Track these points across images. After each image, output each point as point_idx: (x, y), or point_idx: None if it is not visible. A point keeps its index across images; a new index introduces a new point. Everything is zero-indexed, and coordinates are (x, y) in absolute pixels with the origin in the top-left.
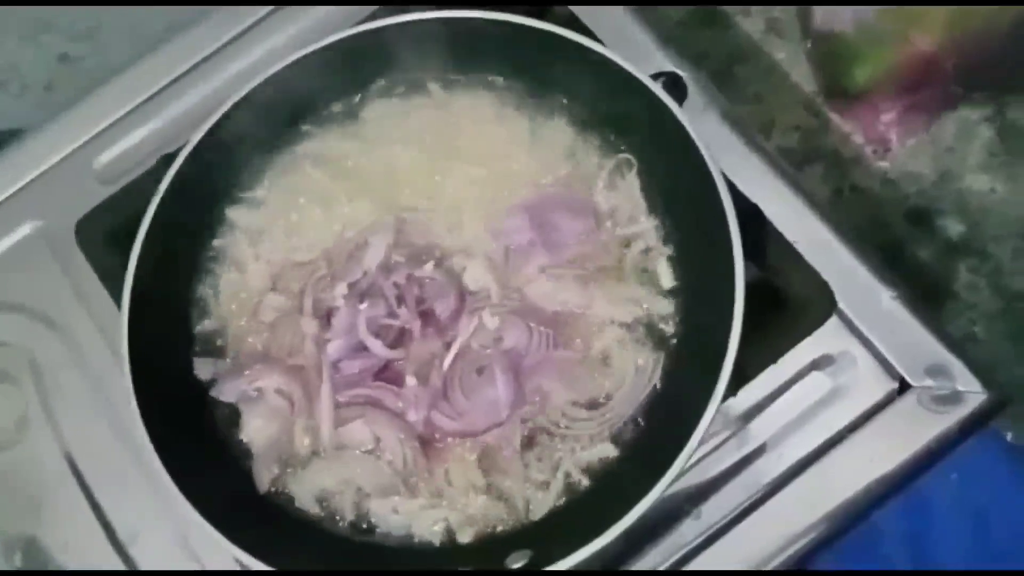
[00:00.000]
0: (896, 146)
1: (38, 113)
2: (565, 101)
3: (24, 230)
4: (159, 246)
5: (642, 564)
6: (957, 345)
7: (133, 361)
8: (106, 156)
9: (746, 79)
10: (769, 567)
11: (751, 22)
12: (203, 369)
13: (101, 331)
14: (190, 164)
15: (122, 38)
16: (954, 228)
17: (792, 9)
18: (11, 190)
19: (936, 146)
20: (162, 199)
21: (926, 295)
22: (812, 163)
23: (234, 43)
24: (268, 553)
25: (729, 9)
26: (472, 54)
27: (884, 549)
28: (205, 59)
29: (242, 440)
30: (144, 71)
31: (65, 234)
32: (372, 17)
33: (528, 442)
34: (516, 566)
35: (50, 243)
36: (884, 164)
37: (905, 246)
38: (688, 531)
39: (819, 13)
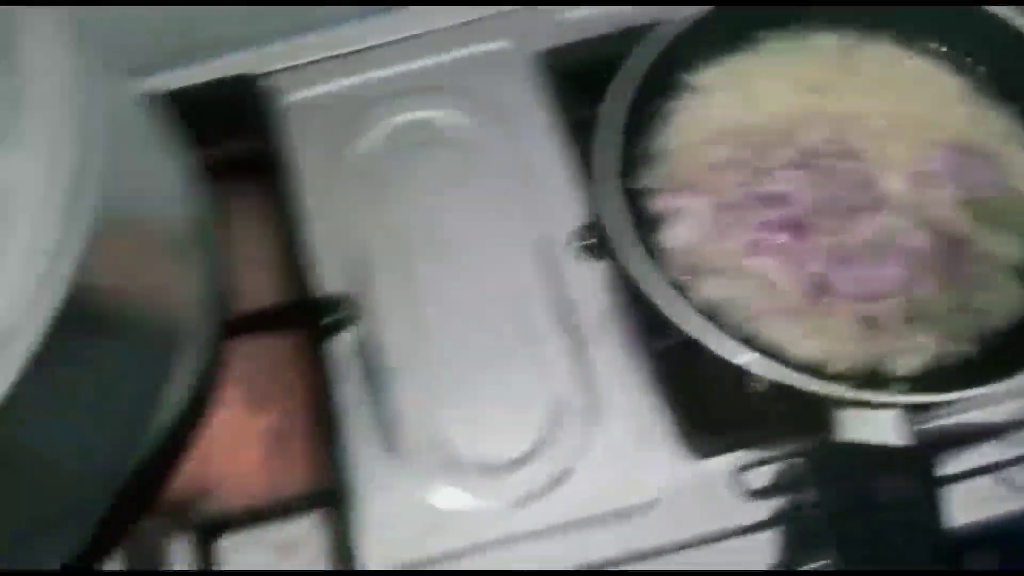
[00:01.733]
0: None
1: None
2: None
3: (496, 45)
4: (630, 90)
5: None
6: None
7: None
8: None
9: None
10: None
11: None
12: (648, 181)
13: (540, 133)
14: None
15: None
16: None
17: None
18: (487, 13)
19: None
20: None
21: None
22: None
23: None
24: None
25: None
26: None
27: None
28: None
29: (664, 237)
30: None
31: (530, 57)
32: None
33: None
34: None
35: (517, 60)
36: None
37: None
38: None
39: None
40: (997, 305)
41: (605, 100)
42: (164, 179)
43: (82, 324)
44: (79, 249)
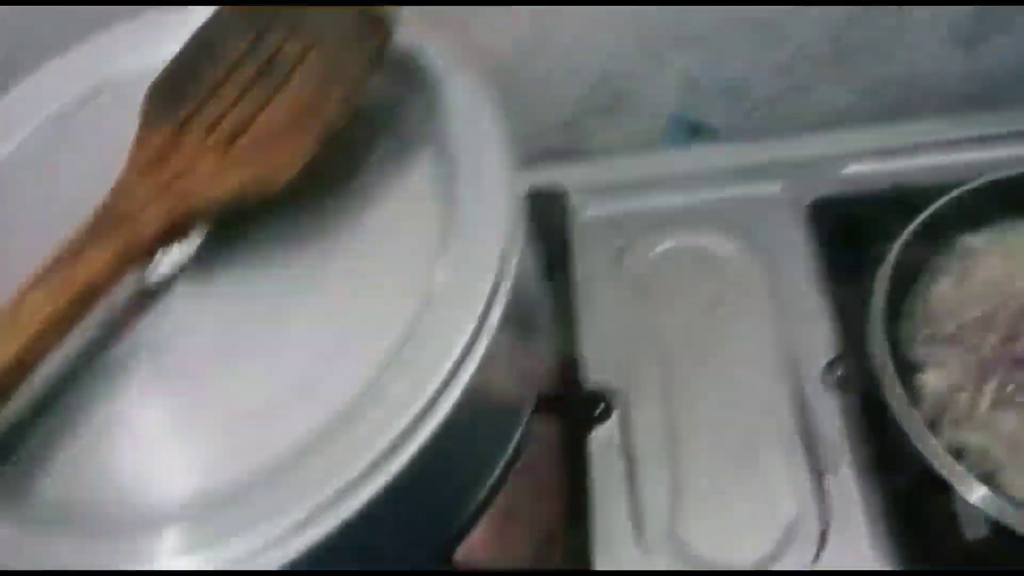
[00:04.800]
0: None
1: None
2: None
3: (773, 188)
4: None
5: None
6: None
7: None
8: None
9: None
10: None
11: None
12: (908, 330)
13: (801, 275)
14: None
15: None
16: None
17: None
18: (770, 159)
19: None
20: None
21: None
22: None
23: None
24: None
25: None
26: None
27: None
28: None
29: (919, 381)
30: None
31: (799, 205)
32: None
33: None
34: None
35: (788, 206)
36: None
37: None
38: None
39: None
40: None
41: (880, 252)
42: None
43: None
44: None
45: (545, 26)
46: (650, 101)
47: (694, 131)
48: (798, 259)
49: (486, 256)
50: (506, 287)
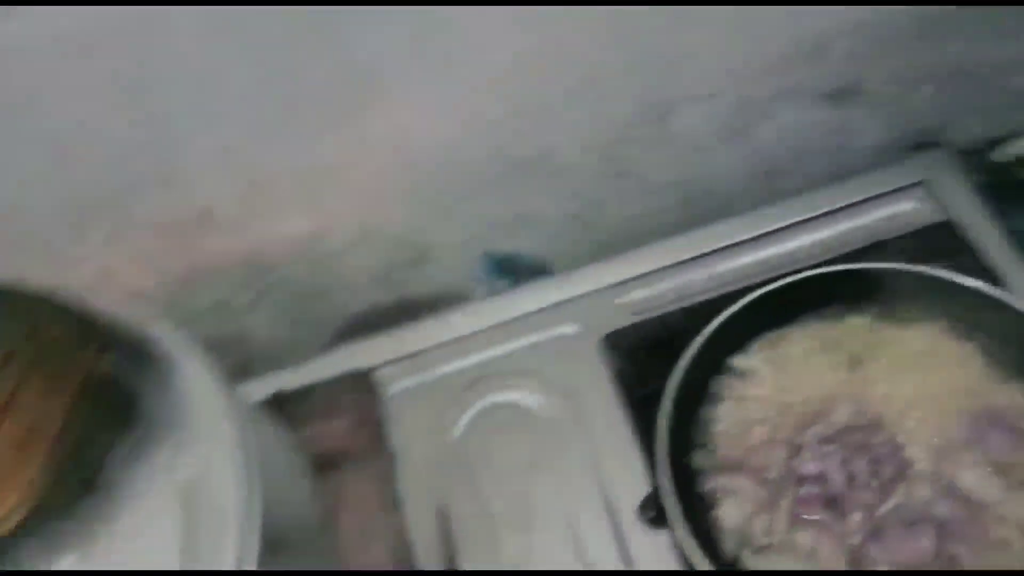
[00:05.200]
0: None
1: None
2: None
3: (567, 329)
4: (685, 378)
5: None
6: None
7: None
8: (634, 296)
9: None
10: None
11: None
12: (701, 461)
13: (606, 412)
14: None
15: None
16: None
17: None
18: (560, 299)
19: None
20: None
21: None
22: None
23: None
24: None
25: None
26: None
27: None
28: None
29: (717, 516)
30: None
31: (595, 341)
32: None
33: None
34: None
35: (584, 343)
36: None
37: None
38: None
39: None
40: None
41: (663, 386)
42: (289, 476)
43: None
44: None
45: (327, 214)
46: (451, 250)
47: (504, 267)
48: (603, 397)
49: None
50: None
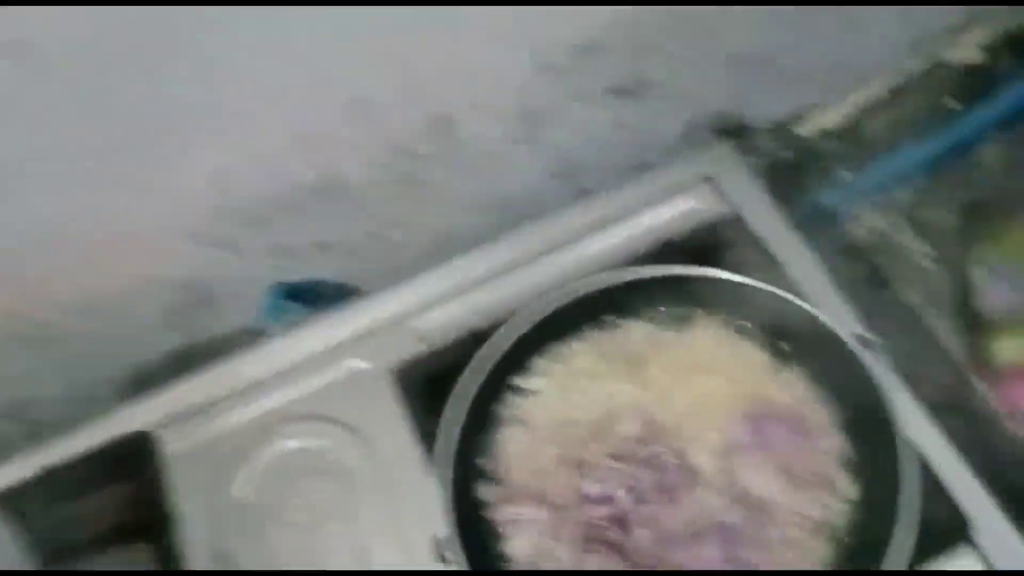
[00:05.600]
0: None
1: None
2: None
3: (358, 364)
4: (467, 403)
5: None
6: None
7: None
8: (424, 323)
9: None
10: None
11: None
12: (486, 492)
13: (399, 449)
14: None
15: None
16: None
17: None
18: (349, 334)
19: None
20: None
21: None
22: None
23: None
24: None
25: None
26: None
27: None
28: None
29: (508, 549)
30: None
31: (386, 375)
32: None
33: None
34: None
35: (375, 378)
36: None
37: None
38: None
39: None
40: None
41: (442, 417)
42: None
43: None
44: None
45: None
46: (243, 286)
47: (300, 296)
48: (395, 435)
49: None
50: None
